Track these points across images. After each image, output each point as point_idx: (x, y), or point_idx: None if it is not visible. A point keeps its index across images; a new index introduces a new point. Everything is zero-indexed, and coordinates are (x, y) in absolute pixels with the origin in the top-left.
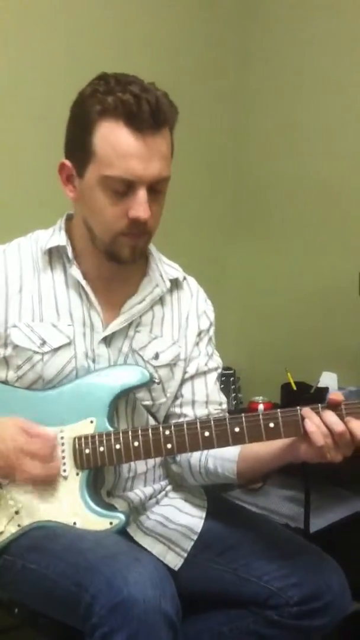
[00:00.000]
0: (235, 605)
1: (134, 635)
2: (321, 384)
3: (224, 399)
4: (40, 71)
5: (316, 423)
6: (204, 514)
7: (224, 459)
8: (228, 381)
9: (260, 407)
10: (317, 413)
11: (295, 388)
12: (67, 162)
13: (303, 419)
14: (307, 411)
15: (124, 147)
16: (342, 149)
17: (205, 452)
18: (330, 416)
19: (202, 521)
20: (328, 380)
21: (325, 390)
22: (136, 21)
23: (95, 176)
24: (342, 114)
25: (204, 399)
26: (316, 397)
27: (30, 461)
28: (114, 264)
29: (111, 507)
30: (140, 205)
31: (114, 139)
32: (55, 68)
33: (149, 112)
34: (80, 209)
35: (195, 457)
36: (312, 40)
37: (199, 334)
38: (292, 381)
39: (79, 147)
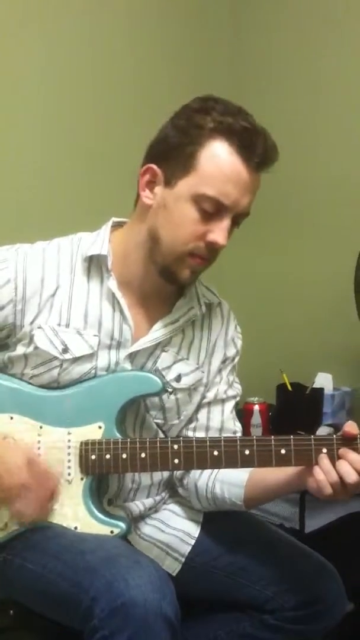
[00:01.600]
0: (232, 609)
1: (133, 638)
2: (316, 385)
3: (238, 427)
4: (41, 75)
5: (325, 470)
6: (200, 518)
7: (232, 484)
8: None
9: (256, 407)
10: (331, 447)
11: (290, 389)
12: (156, 168)
13: (316, 450)
14: (321, 458)
15: (230, 172)
16: (339, 149)
17: (212, 476)
18: (344, 466)
19: (200, 525)
20: (323, 380)
21: (320, 391)
22: (135, 28)
23: (189, 190)
24: (340, 113)
25: (219, 426)
26: (312, 397)
27: (25, 502)
28: (163, 282)
29: (113, 515)
30: (222, 231)
31: (224, 160)
32: (55, 69)
33: (263, 149)
34: (153, 218)
35: (203, 481)
36: (308, 42)
37: (224, 361)
38: (287, 382)
39: (178, 156)
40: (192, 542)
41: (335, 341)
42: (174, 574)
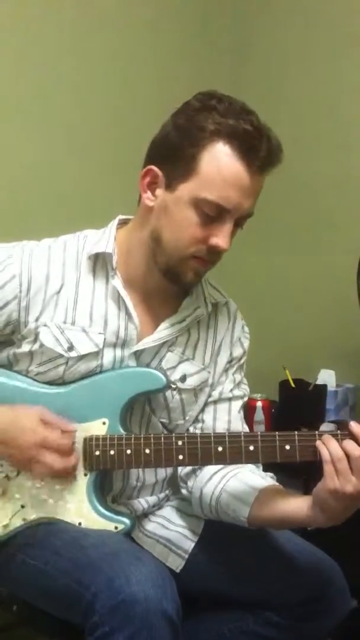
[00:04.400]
0: (235, 606)
1: (134, 635)
2: (319, 381)
3: (246, 429)
4: (41, 71)
5: (331, 446)
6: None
7: (239, 499)
8: None
9: (259, 404)
10: (336, 439)
11: (293, 385)
12: (157, 170)
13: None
14: (326, 437)
15: (231, 176)
16: (341, 148)
17: (220, 485)
18: (350, 443)
19: (203, 521)
20: (326, 377)
21: (323, 387)
22: (135, 27)
23: (189, 194)
24: (341, 112)
25: (225, 426)
26: (315, 394)
27: (50, 454)
28: (166, 282)
29: (117, 511)
30: (224, 235)
31: (225, 165)
32: (55, 67)
33: (266, 151)
34: (155, 220)
35: (209, 488)
36: (311, 38)
37: (230, 360)
38: (290, 378)
39: (179, 158)
40: (196, 538)
41: (338, 338)
42: (178, 571)
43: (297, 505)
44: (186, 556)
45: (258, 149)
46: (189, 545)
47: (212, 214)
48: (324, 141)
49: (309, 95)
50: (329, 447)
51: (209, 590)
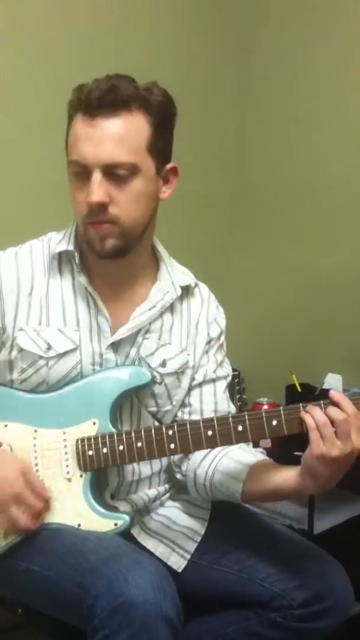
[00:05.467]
0: (238, 607)
1: (133, 638)
2: (326, 386)
3: (233, 409)
4: (40, 73)
5: (315, 414)
6: (207, 515)
7: (232, 476)
8: (232, 382)
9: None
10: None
11: (299, 389)
12: None
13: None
14: (310, 407)
15: (76, 132)
16: (343, 148)
17: (213, 466)
18: (333, 410)
19: (206, 522)
20: (333, 381)
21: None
22: (137, 24)
23: (68, 165)
24: (343, 112)
25: (212, 407)
26: (321, 398)
27: (17, 511)
28: (100, 260)
29: (115, 509)
30: (93, 189)
31: (73, 126)
32: (55, 70)
33: (97, 97)
34: None
35: (202, 469)
36: (314, 40)
37: (209, 341)
38: (296, 382)
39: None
40: (198, 539)
41: (345, 342)
42: (179, 570)
43: (287, 476)
44: (188, 556)
45: (89, 97)
46: (192, 545)
47: (79, 172)
48: (326, 141)
49: (312, 95)
50: (314, 415)
51: (212, 591)
